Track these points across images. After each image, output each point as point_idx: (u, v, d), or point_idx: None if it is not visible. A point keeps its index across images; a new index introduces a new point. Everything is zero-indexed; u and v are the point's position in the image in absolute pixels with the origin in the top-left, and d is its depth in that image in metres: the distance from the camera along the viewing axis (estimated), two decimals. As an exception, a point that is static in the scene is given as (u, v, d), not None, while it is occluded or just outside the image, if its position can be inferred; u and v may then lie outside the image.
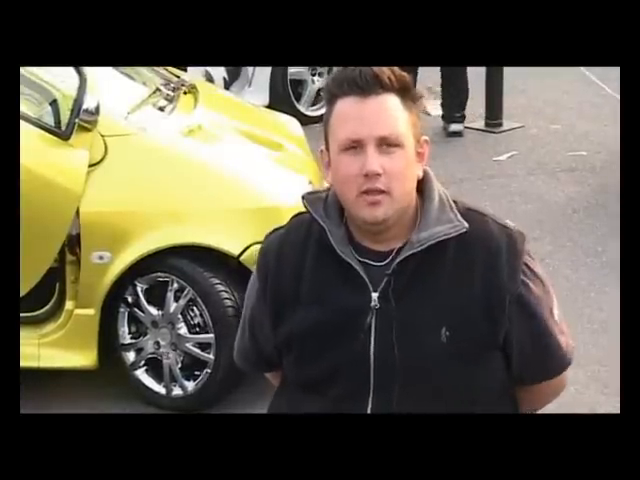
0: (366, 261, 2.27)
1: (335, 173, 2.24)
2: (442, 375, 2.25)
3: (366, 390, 2.26)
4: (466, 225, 2.25)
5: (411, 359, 2.23)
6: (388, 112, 2.18)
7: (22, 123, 4.10)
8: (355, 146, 2.18)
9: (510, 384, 2.37)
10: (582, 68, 6.80)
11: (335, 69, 2.29)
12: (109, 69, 5.00)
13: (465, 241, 2.25)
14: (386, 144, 2.17)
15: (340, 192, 2.25)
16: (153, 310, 4.61)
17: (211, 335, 4.52)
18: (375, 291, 2.24)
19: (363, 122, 2.17)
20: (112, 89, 4.93)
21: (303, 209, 2.35)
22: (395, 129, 2.18)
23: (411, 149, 2.21)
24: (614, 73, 6.95)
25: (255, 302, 2.41)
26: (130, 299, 4.61)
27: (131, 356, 4.70)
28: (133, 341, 4.69)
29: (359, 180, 2.18)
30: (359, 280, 2.25)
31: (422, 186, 2.29)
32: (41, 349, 4.60)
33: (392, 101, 2.19)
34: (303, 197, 2.34)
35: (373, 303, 2.24)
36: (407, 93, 2.21)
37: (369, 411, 2.26)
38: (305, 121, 6.75)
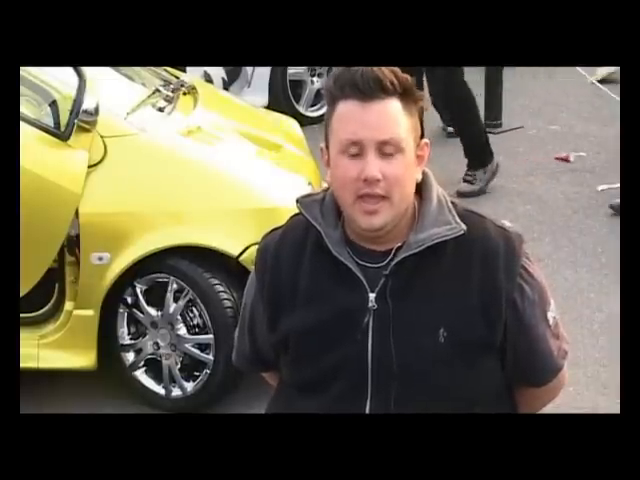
0: (363, 262, 2.26)
1: (334, 175, 2.24)
2: (440, 375, 2.25)
3: (364, 390, 2.26)
4: (464, 227, 2.24)
5: (409, 359, 2.23)
6: (389, 117, 2.17)
7: (21, 124, 4.09)
8: (355, 149, 2.17)
9: (507, 385, 2.38)
10: (579, 69, 6.82)
11: (334, 68, 2.28)
12: (108, 70, 4.99)
13: (463, 242, 2.25)
14: (386, 149, 2.17)
15: (338, 195, 2.25)
16: (152, 311, 4.61)
17: (210, 336, 4.52)
18: (372, 292, 2.24)
19: (364, 125, 2.16)
20: (111, 90, 4.92)
21: (302, 210, 2.35)
22: (396, 134, 2.17)
23: (411, 153, 2.21)
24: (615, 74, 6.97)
25: (253, 301, 2.41)
26: (129, 300, 4.61)
27: (130, 357, 4.69)
28: (132, 342, 4.68)
29: (358, 184, 2.18)
30: (356, 281, 2.24)
31: (421, 187, 2.29)
32: (40, 350, 4.59)
33: (393, 106, 2.18)
34: (297, 200, 2.33)
35: (370, 304, 2.24)
36: (409, 96, 2.20)
37: (367, 411, 2.26)
38: (304, 122, 6.74)
